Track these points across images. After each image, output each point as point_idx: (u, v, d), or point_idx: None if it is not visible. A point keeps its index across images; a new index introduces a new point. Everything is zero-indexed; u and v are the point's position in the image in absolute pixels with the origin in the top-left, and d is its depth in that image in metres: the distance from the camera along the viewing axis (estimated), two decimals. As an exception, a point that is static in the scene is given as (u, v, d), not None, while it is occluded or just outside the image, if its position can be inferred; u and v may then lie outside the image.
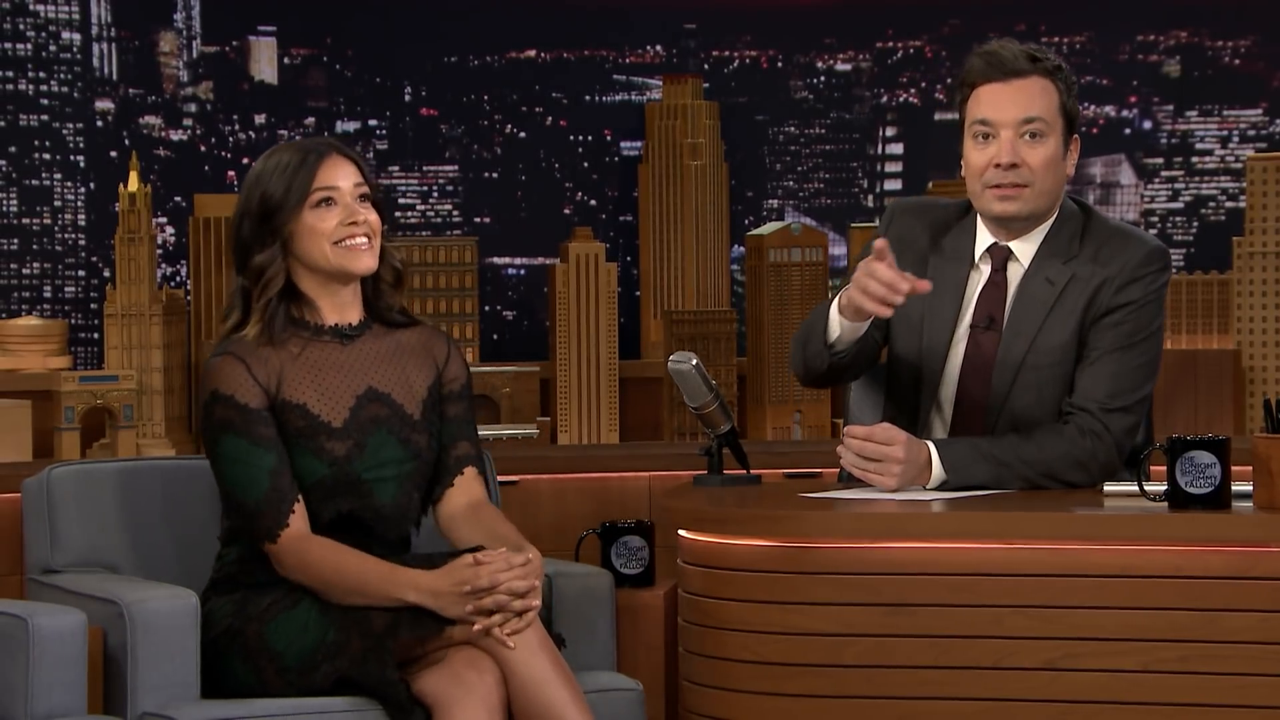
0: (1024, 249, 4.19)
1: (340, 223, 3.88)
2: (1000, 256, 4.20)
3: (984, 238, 4.21)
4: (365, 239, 3.89)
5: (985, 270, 4.20)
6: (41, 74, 6.80)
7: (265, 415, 3.84)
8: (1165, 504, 3.70)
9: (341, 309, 3.94)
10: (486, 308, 7.12)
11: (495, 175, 7.22)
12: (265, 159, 3.92)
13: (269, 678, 3.76)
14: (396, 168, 7.14)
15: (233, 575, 3.89)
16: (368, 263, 3.90)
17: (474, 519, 3.92)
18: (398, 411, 3.92)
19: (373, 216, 3.90)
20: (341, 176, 3.89)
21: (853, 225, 7.19)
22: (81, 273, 6.87)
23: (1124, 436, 4.09)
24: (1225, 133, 7.24)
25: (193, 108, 7.00)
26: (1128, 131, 7.28)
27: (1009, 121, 4.12)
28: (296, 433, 3.85)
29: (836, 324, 4.08)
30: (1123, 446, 4.10)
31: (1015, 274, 4.19)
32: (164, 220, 6.89)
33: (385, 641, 3.68)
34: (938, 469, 3.99)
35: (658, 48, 7.31)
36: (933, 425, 4.20)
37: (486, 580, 3.67)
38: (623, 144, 7.28)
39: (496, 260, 7.21)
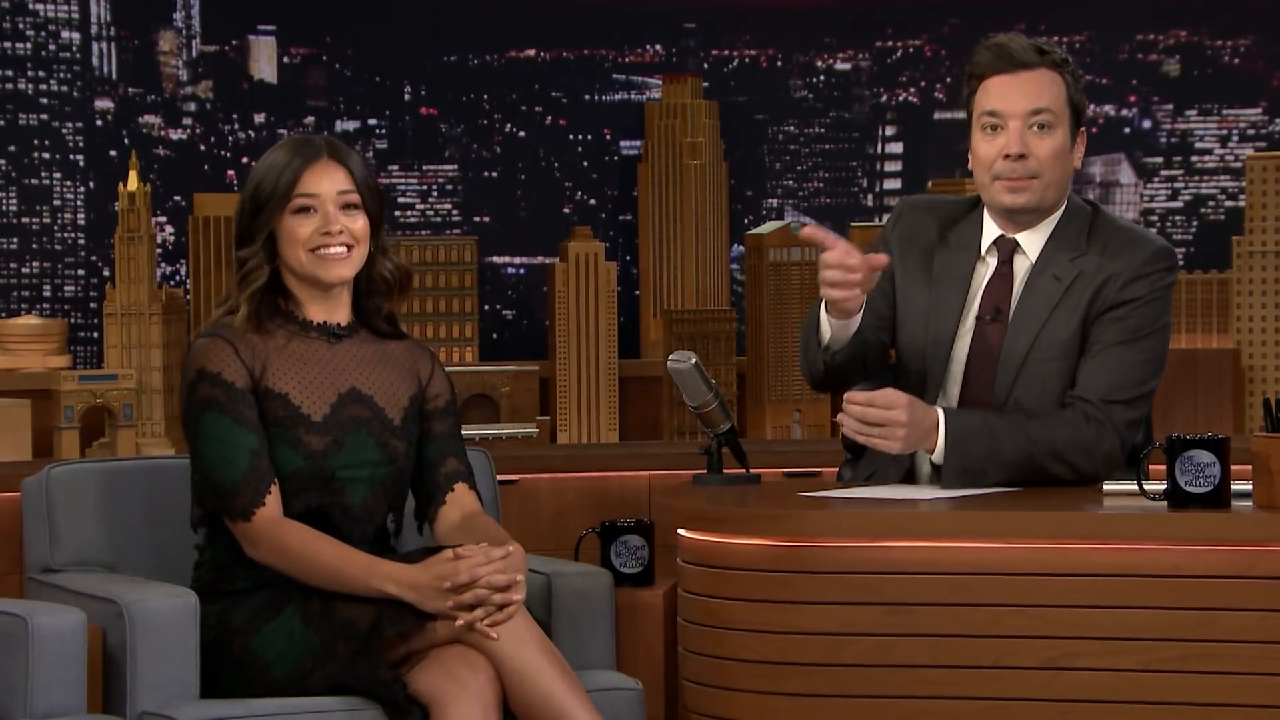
0: (1031, 242, 4.20)
1: (316, 231, 3.87)
2: (1007, 249, 4.21)
3: (991, 230, 4.23)
4: (343, 248, 3.88)
5: (992, 262, 4.22)
6: (41, 73, 6.79)
7: (249, 397, 3.84)
8: (1165, 503, 3.70)
9: (329, 309, 3.95)
10: (486, 307, 7.12)
11: (495, 174, 7.22)
12: (267, 154, 3.93)
13: (259, 689, 3.75)
14: (396, 167, 7.14)
15: (211, 583, 3.87)
16: (340, 272, 3.90)
17: (466, 529, 3.92)
18: (379, 415, 3.92)
19: (355, 224, 3.89)
20: (325, 183, 3.88)
21: (852, 224, 7.19)
22: (81, 272, 6.87)
23: (1126, 430, 4.09)
24: (1225, 132, 7.24)
25: (192, 107, 7.00)
26: (1127, 131, 7.28)
27: (1018, 112, 4.13)
28: (275, 422, 3.85)
29: (826, 324, 4.09)
30: (1125, 439, 4.10)
31: (1022, 267, 4.20)
32: (163, 219, 6.89)
33: (371, 642, 3.67)
34: (943, 435, 3.99)
35: (657, 47, 7.31)
36: None
37: (466, 575, 3.67)
38: (622, 143, 7.28)
39: (496, 259, 7.21)
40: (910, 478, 4.17)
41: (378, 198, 3.95)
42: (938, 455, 4.01)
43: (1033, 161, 4.14)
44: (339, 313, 3.96)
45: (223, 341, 3.86)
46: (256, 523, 3.79)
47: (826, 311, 4.07)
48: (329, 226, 3.87)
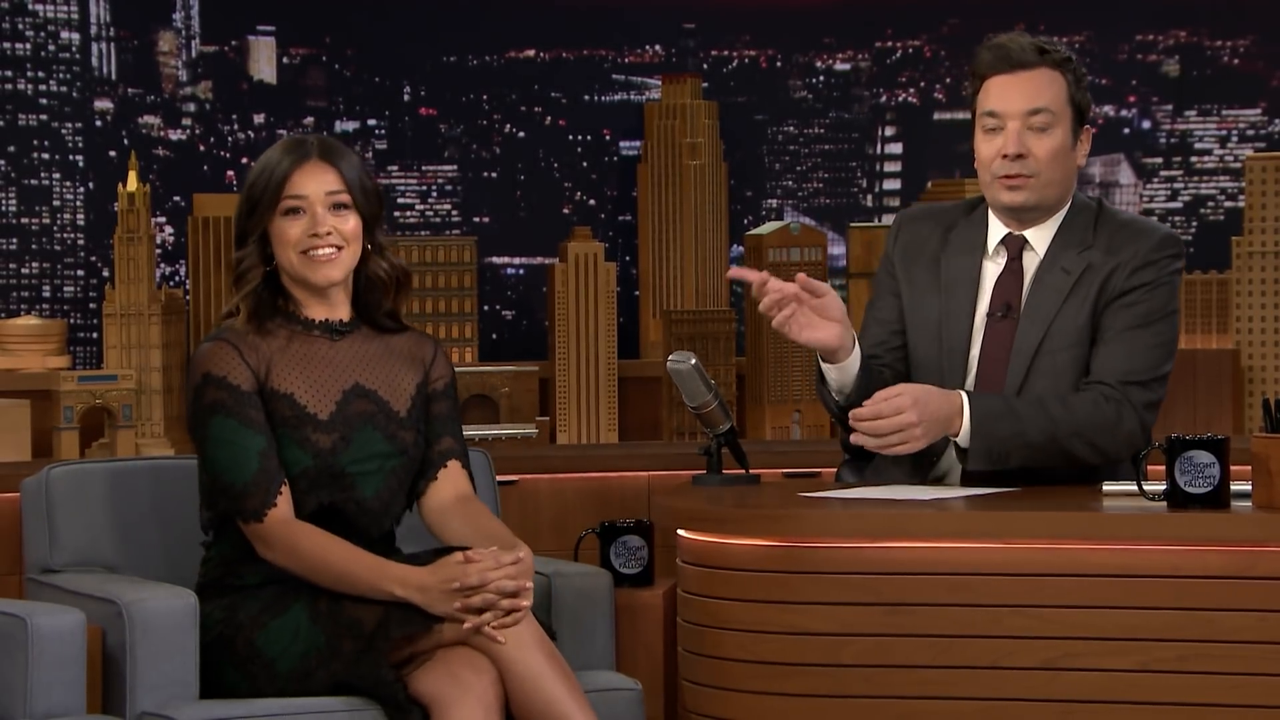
0: (1039, 238, 4.22)
1: (304, 232, 3.88)
2: (1016, 245, 4.23)
3: (997, 228, 4.25)
4: (332, 249, 3.88)
5: (1001, 260, 4.23)
6: (40, 74, 6.79)
7: (255, 399, 3.85)
8: (1164, 504, 3.70)
9: (328, 308, 3.95)
10: (485, 307, 7.12)
11: (494, 175, 7.22)
12: (264, 154, 3.94)
13: (263, 685, 3.76)
14: (395, 167, 7.14)
15: (218, 579, 3.88)
16: (328, 274, 3.90)
17: (463, 513, 3.92)
18: (384, 408, 3.93)
19: (346, 225, 3.89)
20: (312, 184, 3.89)
21: (852, 225, 7.19)
22: (80, 272, 6.87)
23: (1145, 411, 4.11)
24: (1224, 132, 7.24)
25: (192, 107, 7.00)
26: (1127, 131, 7.28)
27: (1015, 112, 4.16)
28: (282, 422, 3.86)
29: (827, 370, 4.11)
30: (1145, 420, 4.11)
31: (1031, 263, 4.22)
32: (163, 220, 6.89)
33: (376, 641, 3.68)
34: (968, 418, 4.00)
35: (657, 47, 7.31)
36: None
37: (476, 578, 3.67)
38: (622, 144, 7.28)
39: (495, 260, 7.21)
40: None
41: (373, 198, 3.94)
42: (963, 438, 4.02)
43: (1031, 161, 4.16)
44: (339, 310, 3.96)
45: (227, 345, 3.86)
46: (269, 524, 3.80)
47: (821, 359, 4.09)
48: (316, 228, 3.88)
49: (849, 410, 4.07)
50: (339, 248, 3.89)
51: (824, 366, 4.10)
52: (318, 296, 3.93)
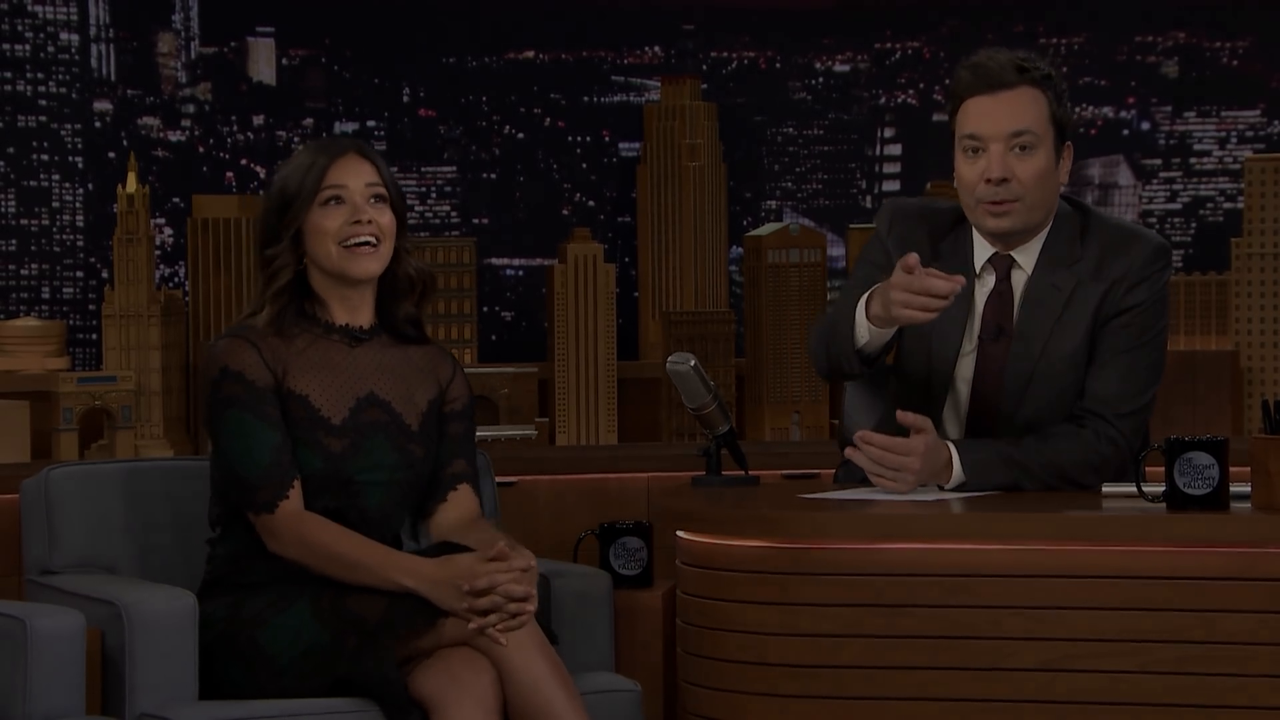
0: (1026, 256, 4.15)
1: (345, 221, 3.88)
2: (1004, 265, 4.16)
3: (983, 248, 4.17)
4: (372, 239, 3.89)
5: (990, 280, 4.16)
6: (40, 75, 6.80)
7: (272, 396, 3.85)
8: (1163, 505, 3.70)
9: (352, 311, 3.95)
10: (485, 308, 7.12)
11: (493, 176, 7.22)
12: (290, 158, 3.95)
13: (265, 683, 3.76)
14: (395, 168, 7.13)
15: (224, 575, 3.88)
16: (368, 267, 3.90)
17: (468, 532, 3.92)
18: (396, 420, 3.93)
19: (383, 218, 3.90)
20: (352, 175, 3.90)
21: (851, 226, 7.20)
22: (80, 274, 6.87)
23: (1134, 438, 4.10)
24: (1223, 133, 7.24)
25: (191, 108, 7.00)
26: (1126, 132, 7.29)
27: (998, 135, 4.07)
28: (295, 424, 3.86)
29: (865, 330, 4.04)
30: (1133, 446, 4.09)
31: (1020, 282, 4.16)
32: (162, 221, 6.89)
33: (381, 637, 3.68)
34: (958, 470, 3.98)
35: (656, 48, 7.32)
36: (948, 434, 4.18)
37: (485, 580, 3.68)
38: (621, 145, 7.29)
39: (495, 261, 7.21)
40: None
41: (401, 198, 3.97)
42: (952, 485, 3.99)
43: (1015, 184, 4.07)
44: (362, 315, 3.96)
45: (245, 342, 3.87)
46: (279, 516, 3.80)
47: (869, 319, 4.03)
48: (358, 216, 3.88)
49: (860, 368, 4.07)
50: (377, 240, 3.89)
51: (866, 325, 4.02)
52: (345, 299, 3.93)
